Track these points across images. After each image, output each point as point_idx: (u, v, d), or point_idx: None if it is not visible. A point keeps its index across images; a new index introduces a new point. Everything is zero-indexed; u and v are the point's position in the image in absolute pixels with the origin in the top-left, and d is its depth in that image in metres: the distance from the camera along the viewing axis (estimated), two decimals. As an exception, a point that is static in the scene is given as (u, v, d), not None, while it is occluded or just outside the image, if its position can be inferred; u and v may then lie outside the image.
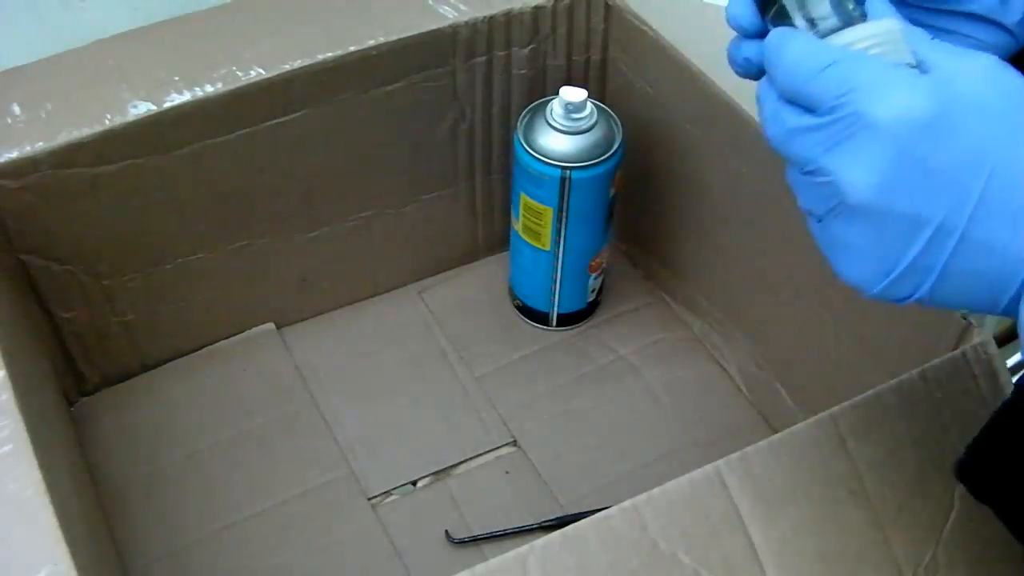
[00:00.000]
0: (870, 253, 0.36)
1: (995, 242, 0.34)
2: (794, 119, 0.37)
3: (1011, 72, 0.36)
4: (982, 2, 0.44)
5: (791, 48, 0.37)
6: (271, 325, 0.77)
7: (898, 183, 0.35)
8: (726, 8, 0.43)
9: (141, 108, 0.61)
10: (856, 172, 0.35)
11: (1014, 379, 0.51)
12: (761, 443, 0.47)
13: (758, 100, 0.40)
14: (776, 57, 0.38)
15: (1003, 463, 0.36)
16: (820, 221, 0.37)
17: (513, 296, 0.79)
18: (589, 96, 0.67)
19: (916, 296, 0.36)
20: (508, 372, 0.76)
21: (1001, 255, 0.34)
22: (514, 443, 0.71)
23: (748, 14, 0.41)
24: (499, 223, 0.80)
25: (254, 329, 0.76)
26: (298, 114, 0.66)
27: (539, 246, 0.72)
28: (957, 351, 0.50)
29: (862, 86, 0.35)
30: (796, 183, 0.38)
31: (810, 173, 0.37)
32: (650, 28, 0.68)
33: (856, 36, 0.38)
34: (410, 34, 0.66)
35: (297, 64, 0.64)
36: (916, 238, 0.35)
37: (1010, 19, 0.44)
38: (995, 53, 0.43)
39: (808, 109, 0.37)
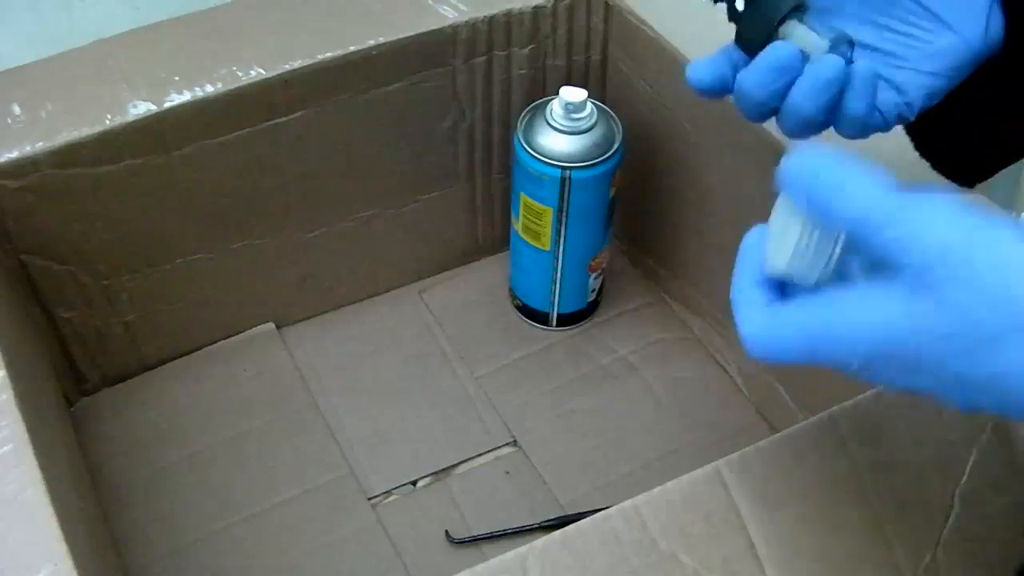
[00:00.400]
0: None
1: None
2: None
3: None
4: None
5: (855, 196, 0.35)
6: (271, 325, 0.77)
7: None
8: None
9: (141, 108, 0.61)
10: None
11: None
12: (761, 443, 0.47)
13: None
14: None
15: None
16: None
17: (513, 296, 0.79)
18: (589, 96, 0.67)
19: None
20: (508, 372, 0.76)
21: None
22: (514, 443, 0.71)
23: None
24: (499, 223, 0.80)
25: (254, 329, 0.76)
26: (298, 114, 0.66)
27: (539, 246, 0.72)
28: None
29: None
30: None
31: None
32: (650, 28, 0.68)
33: None
34: (410, 34, 0.66)
35: (297, 64, 0.64)
36: None
37: (957, 19, 0.44)
38: (947, 62, 0.44)
39: None
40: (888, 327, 0.34)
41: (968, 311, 0.32)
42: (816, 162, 0.36)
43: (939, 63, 0.45)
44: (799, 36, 0.46)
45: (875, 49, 0.46)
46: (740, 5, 0.47)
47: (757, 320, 0.37)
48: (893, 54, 0.46)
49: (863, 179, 0.35)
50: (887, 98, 0.46)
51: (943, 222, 0.33)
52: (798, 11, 0.46)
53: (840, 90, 0.45)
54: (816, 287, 0.38)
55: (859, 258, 0.38)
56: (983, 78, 0.46)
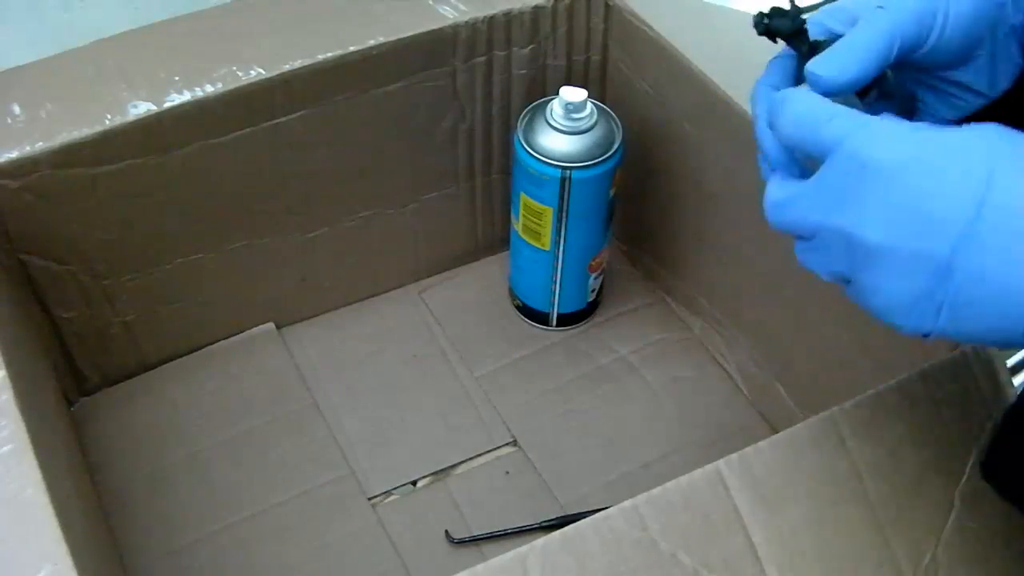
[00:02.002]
0: (893, 293, 0.37)
1: (991, 275, 0.35)
2: (796, 186, 0.41)
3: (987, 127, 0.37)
4: (972, 74, 0.45)
5: (797, 103, 0.41)
6: (271, 325, 0.77)
7: (899, 222, 0.36)
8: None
9: (141, 108, 0.61)
10: (864, 217, 0.37)
11: (1015, 381, 0.51)
12: (761, 443, 0.47)
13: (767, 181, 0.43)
14: (781, 112, 0.41)
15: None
16: (849, 282, 0.39)
17: (513, 296, 0.79)
18: (589, 96, 0.67)
19: (938, 331, 0.37)
20: (508, 372, 0.76)
21: (1000, 288, 0.35)
22: (514, 443, 0.71)
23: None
24: (499, 223, 0.80)
25: (254, 329, 0.76)
26: (298, 114, 0.66)
27: (539, 246, 0.72)
28: (957, 351, 0.50)
29: (855, 132, 0.38)
30: (811, 261, 0.41)
31: (822, 238, 0.39)
32: (650, 28, 0.68)
33: None
34: (410, 34, 0.66)
35: (297, 64, 0.64)
36: (922, 274, 0.36)
37: (993, 90, 0.46)
38: (968, 112, 0.46)
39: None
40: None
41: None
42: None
43: (961, 113, 0.47)
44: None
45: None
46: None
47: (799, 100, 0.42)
48: (921, 111, 0.48)
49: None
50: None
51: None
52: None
53: None
54: None
55: None
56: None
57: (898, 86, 0.47)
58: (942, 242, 0.35)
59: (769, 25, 0.45)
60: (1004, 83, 0.46)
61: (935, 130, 0.37)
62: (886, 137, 0.37)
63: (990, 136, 0.36)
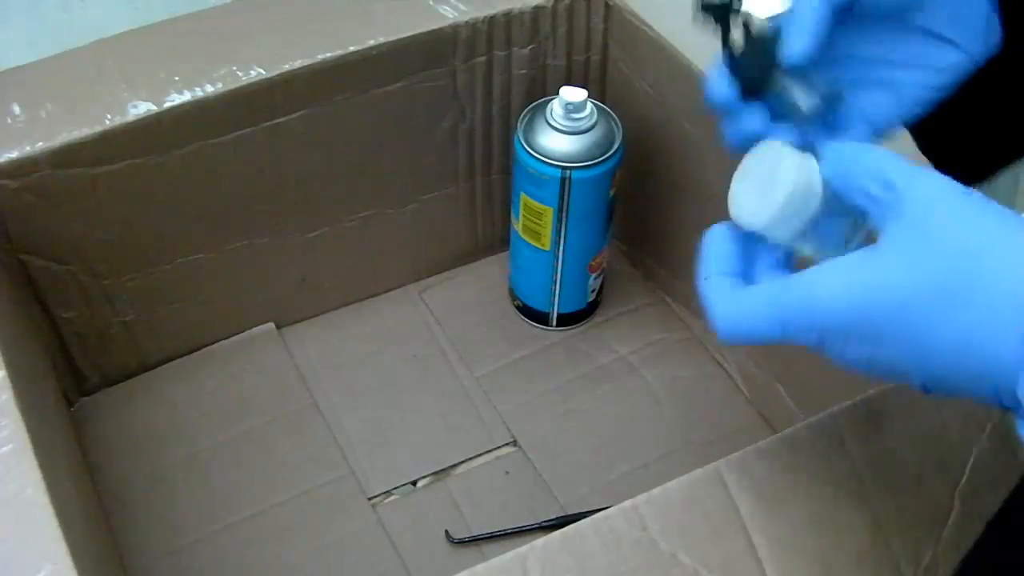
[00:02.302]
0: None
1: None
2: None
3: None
4: (931, 15, 0.44)
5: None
6: (271, 325, 0.77)
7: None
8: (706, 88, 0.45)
9: (141, 108, 0.61)
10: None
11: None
12: (761, 443, 0.47)
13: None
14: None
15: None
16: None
17: (513, 296, 0.79)
18: (589, 96, 0.67)
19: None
20: (508, 372, 0.75)
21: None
22: (514, 443, 0.71)
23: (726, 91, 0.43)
24: (499, 223, 0.80)
25: (254, 329, 0.76)
26: (298, 114, 0.66)
27: (539, 246, 0.72)
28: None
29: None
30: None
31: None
32: (650, 28, 0.68)
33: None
34: (410, 34, 0.66)
35: (297, 64, 0.64)
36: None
37: (961, 36, 0.45)
38: (951, 76, 0.45)
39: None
40: (865, 288, 0.35)
41: (931, 269, 0.34)
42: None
43: (944, 78, 0.46)
44: (793, 91, 0.47)
45: (883, 81, 0.47)
46: (737, 48, 0.47)
47: (727, 302, 0.39)
48: (902, 82, 0.46)
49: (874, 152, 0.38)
50: (889, 113, 0.47)
51: (938, 185, 0.35)
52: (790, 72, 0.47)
53: None
54: (783, 248, 0.41)
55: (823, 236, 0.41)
56: (984, 79, 0.46)
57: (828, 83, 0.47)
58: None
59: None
60: (977, 41, 0.44)
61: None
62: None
63: None
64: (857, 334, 0.36)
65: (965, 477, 0.48)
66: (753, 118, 0.46)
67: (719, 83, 0.46)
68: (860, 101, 0.47)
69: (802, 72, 0.45)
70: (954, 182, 0.35)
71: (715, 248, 0.41)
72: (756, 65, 0.46)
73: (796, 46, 0.43)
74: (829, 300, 0.36)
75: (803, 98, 0.46)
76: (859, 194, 0.38)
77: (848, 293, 0.35)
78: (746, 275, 0.41)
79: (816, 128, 0.46)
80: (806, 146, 0.43)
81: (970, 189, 0.35)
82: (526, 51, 0.70)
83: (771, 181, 0.41)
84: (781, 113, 0.46)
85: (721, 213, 0.70)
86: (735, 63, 0.46)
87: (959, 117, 0.49)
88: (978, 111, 0.49)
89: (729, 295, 0.39)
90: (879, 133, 0.48)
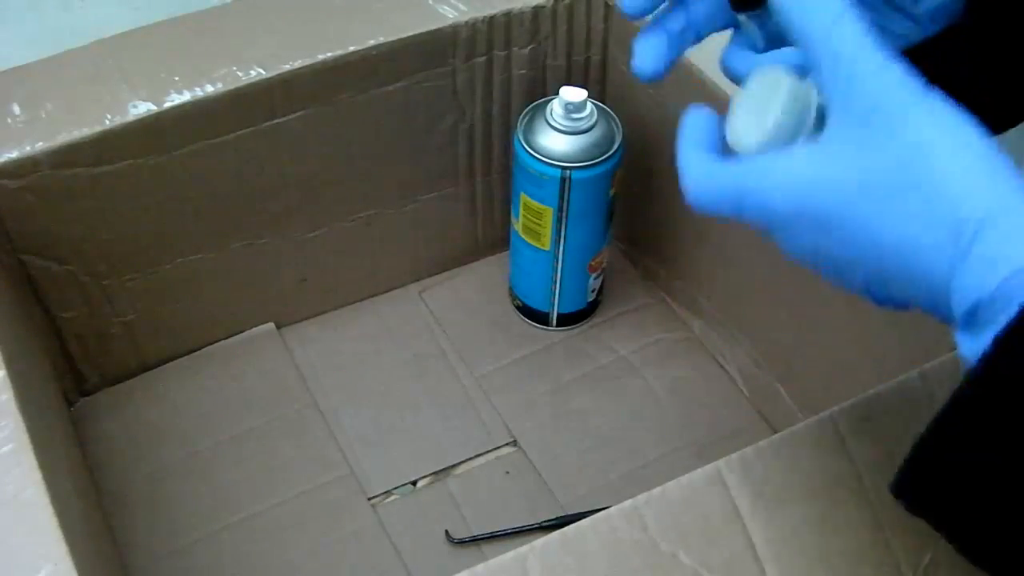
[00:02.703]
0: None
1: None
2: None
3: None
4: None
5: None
6: (271, 325, 0.77)
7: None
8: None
9: (141, 108, 0.61)
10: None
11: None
12: (761, 443, 0.47)
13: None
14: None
15: (947, 476, 0.36)
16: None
17: (513, 296, 0.79)
18: (589, 96, 0.67)
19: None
20: (508, 372, 0.76)
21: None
22: (514, 443, 0.71)
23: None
24: (499, 223, 0.80)
25: (254, 329, 0.76)
26: (298, 114, 0.66)
27: (539, 246, 0.72)
28: (957, 351, 0.50)
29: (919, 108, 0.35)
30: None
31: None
32: (650, 28, 0.68)
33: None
34: (410, 34, 0.66)
35: (297, 64, 0.64)
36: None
37: (917, 9, 0.44)
38: (899, 41, 0.44)
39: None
40: (807, 182, 0.36)
41: (871, 166, 0.34)
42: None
43: (893, 43, 0.45)
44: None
45: None
46: None
47: (698, 173, 0.40)
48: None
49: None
50: None
51: (895, 77, 0.35)
52: None
53: None
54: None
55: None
56: (956, 56, 0.46)
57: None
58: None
59: None
60: (944, 20, 0.43)
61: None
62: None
63: None
64: (803, 226, 0.36)
65: (965, 477, 0.48)
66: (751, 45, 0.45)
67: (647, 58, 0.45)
68: None
69: None
70: (909, 75, 0.35)
71: (693, 122, 0.41)
72: None
73: None
74: (775, 191, 0.37)
75: None
76: (812, 66, 0.37)
77: (793, 187, 0.36)
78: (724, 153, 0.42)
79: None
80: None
81: (925, 85, 0.35)
82: (526, 51, 0.70)
83: (765, 107, 0.40)
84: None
85: (721, 213, 0.70)
86: None
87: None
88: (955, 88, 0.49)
89: (698, 167, 0.40)
90: None
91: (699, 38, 0.46)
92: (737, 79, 0.45)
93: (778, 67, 0.42)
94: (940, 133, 0.34)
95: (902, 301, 0.36)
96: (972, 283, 0.33)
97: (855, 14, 0.36)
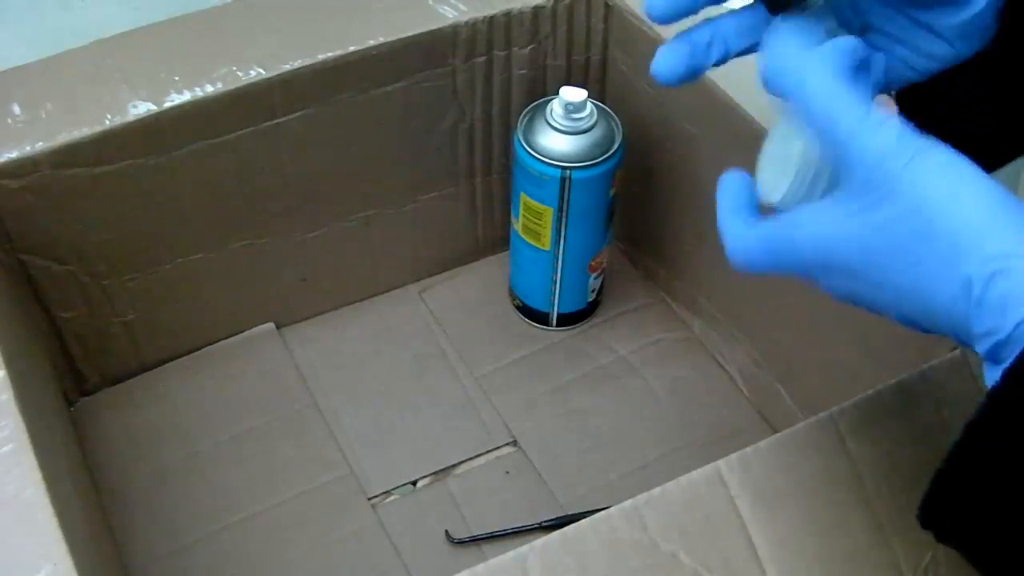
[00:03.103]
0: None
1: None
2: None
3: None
4: (941, 19, 0.44)
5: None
6: (271, 325, 0.77)
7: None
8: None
9: (141, 108, 0.61)
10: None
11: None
12: (761, 443, 0.47)
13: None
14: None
15: (967, 503, 0.37)
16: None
17: (513, 296, 0.79)
18: (589, 96, 0.67)
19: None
20: (508, 372, 0.75)
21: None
22: (514, 443, 0.71)
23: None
24: (499, 223, 0.80)
25: (254, 329, 0.76)
26: (298, 114, 0.66)
27: (539, 246, 0.72)
28: (957, 351, 0.50)
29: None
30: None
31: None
32: (650, 28, 0.68)
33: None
34: (410, 34, 0.66)
35: (297, 64, 0.64)
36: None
37: (944, 24, 0.44)
38: (930, 63, 0.44)
39: None
40: (828, 238, 0.38)
41: (887, 227, 0.36)
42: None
43: (929, 64, 0.45)
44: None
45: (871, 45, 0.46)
46: None
47: (734, 237, 0.42)
48: (888, 53, 0.46)
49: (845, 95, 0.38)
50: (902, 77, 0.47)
51: (889, 137, 0.36)
52: None
53: None
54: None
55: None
56: (977, 76, 0.46)
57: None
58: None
59: None
60: (975, 39, 0.44)
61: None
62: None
63: None
64: (834, 274, 0.39)
65: (965, 477, 0.48)
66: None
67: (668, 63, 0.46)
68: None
69: None
70: (905, 131, 0.36)
71: (727, 188, 0.44)
72: None
73: None
74: (804, 243, 0.39)
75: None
76: (811, 128, 0.39)
77: (817, 240, 0.38)
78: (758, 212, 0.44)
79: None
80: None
81: (924, 136, 0.36)
82: (526, 51, 0.70)
83: (784, 164, 0.42)
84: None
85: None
86: None
87: (954, 117, 0.49)
88: (972, 109, 0.49)
89: (733, 232, 0.42)
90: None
91: (727, 54, 0.46)
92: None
93: (790, 123, 0.42)
94: (939, 187, 0.35)
95: (934, 332, 0.38)
96: (989, 328, 0.34)
97: (847, 72, 0.38)
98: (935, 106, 0.49)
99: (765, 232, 0.41)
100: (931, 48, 0.45)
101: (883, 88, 0.47)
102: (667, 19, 0.46)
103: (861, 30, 0.46)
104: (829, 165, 0.41)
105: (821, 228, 0.38)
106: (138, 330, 0.71)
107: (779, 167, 0.42)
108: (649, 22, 0.68)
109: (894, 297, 0.37)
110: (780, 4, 0.44)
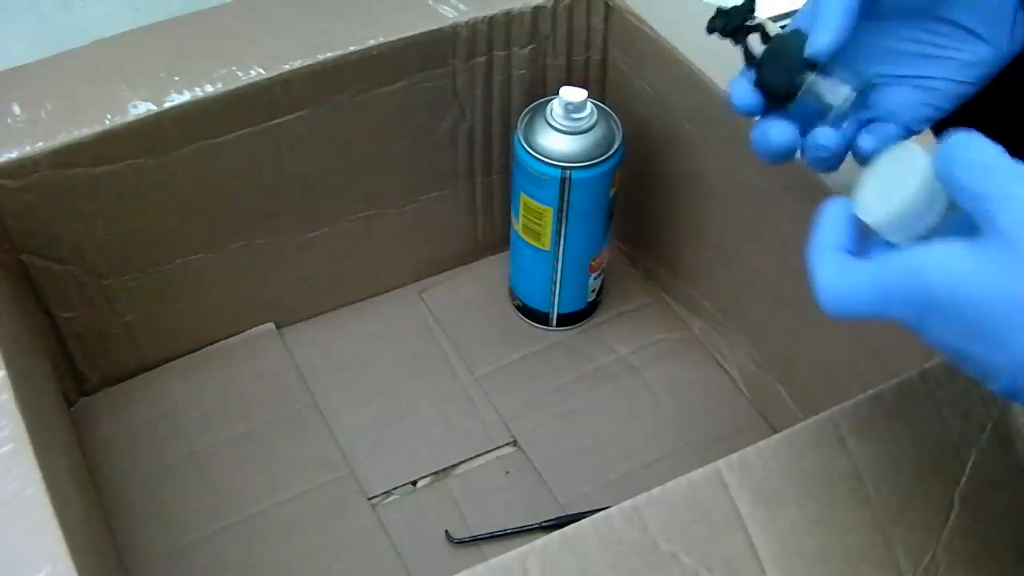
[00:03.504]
0: None
1: None
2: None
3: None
4: (956, 7, 0.44)
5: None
6: (271, 325, 0.77)
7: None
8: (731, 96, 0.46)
9: (141, 108, 0.61)
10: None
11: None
12: (761, 443, 0.47)
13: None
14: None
15: None
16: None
17: (513, 296, 0.79)
18: (589, 96, 0.67)
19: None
20: (508, 372, 0.76)
21: None
22: (514, 443, 0.71)
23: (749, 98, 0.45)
24: (499, 223, 0.80)
25: (254, 329, 0.76)
26: (298, 114, 0.66)
27: (539, 246, 0.72)
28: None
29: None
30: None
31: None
32: (650, 28, 0.68)
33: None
34: (410, 34, 0.66)
35: (297, 64, 0.64)
36: None
37: (988, 29, 0.44)
38: (980, 71, 0.44)
39: None
40: (964, 282, 0.35)
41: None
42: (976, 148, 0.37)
43: (972, 73, 0.46)
44: (823, 88, 0.46)
45: (910, 76, 0.46)
46: (757, 50, 0.47)
47: (832, 275, 0.39)
48: (928, 76, 0.46)
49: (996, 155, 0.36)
50: (922, 113, 0.47)
51: None
52: (816, 68, 0.46)
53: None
54: (897, 246, 0.40)
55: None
56: (1007, 78, 0.46)
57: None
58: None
59: (714, 25, 0.46)
60: (1004, 36, 0.43)
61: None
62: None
63: None
64: (955, 323, 0.35)
65: (965, 477, 0.48)
66: (781, 132, 0.46)
67: (742, 90, 0.46)
68: (889, 100, 0.47)
69: (829, 70, 0.45)
70: None
71: (829, 221, 0.41)
72: (780, 70, 0.46)
73: (822, 39, 0.43)
74: (933, 279, 0.35)
75: (832, 94, 0.46)
76: (958, 191, 0.37)
77: (951, 277, 0.35)
78: (858, 252, 0.41)
79: (850, 125, 0.46)
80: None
81: None
82: (526, 51, 0.70)
83: (897, 183, 0.40)
84: (810, 117, 0.46)
85: (721, 211, 0.70)
86: (759, 75, 0.47)
87: (982, 118, 0.49)
88: (1001, 111, 0.49)
89: (834, 268, 0.39)
90: (910, 132, 0.48)
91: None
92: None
93: (913, 144, 0.41)
94: None
95: None
96: None
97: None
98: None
99: (876, 268, 0.38)
100: (975, 56, 0.45)
101: (923, 121, 0.47)
102: (752, 113, 0.47)
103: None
104: (942, 202, 0.39)
105: (961, 264, 0.35)
106: (138, 330, 0.71)
107: (888, 190, 0.40)
108: (649, 22, 0.69)
109: (1010, 362, 0.34)
110: (777, 98, 0.45)
